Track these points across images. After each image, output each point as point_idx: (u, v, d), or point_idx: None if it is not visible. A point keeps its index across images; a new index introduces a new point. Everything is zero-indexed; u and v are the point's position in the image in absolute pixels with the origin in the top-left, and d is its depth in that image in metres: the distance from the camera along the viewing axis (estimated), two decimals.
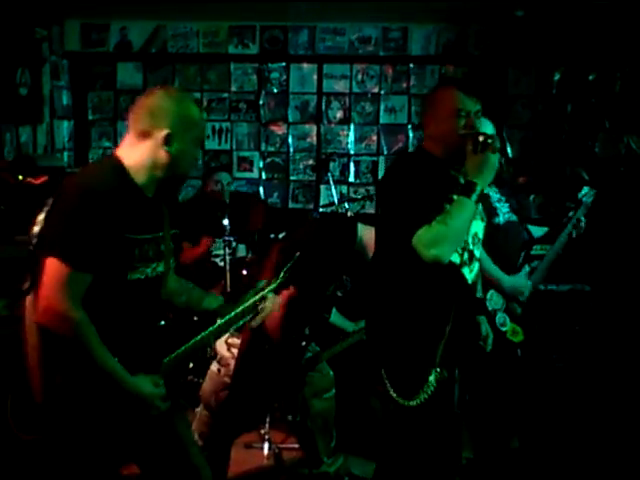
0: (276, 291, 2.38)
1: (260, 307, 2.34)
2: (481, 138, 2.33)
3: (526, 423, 3.75)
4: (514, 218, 3.34)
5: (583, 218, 3.46)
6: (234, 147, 5.88)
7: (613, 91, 5.57)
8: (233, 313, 2.32)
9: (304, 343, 3.26)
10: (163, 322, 2.30)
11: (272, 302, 2.38)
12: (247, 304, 2.34)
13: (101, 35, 5.79)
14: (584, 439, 3.79)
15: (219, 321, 2.30)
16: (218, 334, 2.34)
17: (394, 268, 2.41)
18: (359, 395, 4.25)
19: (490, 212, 3.12)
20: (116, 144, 5.73)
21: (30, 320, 2.08)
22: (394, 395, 2.35)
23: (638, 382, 4.09)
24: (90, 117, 5.87)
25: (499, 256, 3.21)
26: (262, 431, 3.81)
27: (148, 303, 2.23)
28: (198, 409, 4.13)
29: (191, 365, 4.40)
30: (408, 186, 2.33)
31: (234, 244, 4.28)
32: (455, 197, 2.30)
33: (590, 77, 5.58)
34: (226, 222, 4.07)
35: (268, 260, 2.56)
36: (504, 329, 3.24)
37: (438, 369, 2.30)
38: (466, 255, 2.44)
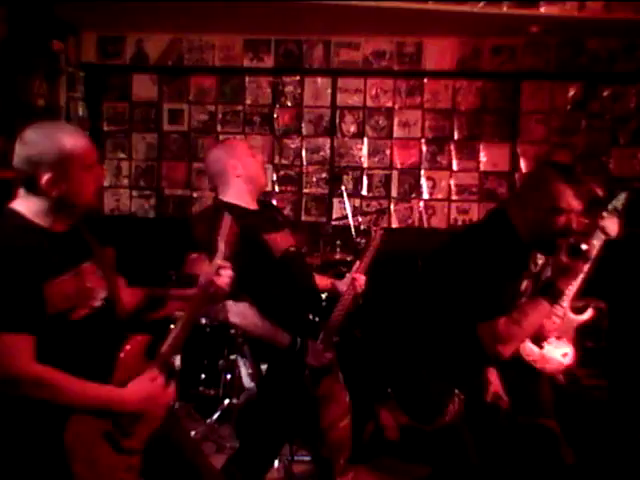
0: None
1: None
2: (573, 242, 2.34)
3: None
4: None
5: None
6: None
7: (628, 107, 5.56)
8: None
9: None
10: None
11: None
12: None
13: (117, 47, 5.83)
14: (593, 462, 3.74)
15: None
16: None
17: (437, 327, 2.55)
18: (367, 407, 4.22)
19: None
20: (130, 155, 5.87)
21: None
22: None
23: None
24: (105, 128, 5.90)
25: None
26: None
27: (105, 331, 2.13)
28: (208, 420, 4.15)
29: (203, 376, 4.42)
30: (488, 276, 2.31)
31: None
32: (534, 297, 2.36)
33: (605, 93, 5.58)
34: None
35: None
36: None
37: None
38: None
